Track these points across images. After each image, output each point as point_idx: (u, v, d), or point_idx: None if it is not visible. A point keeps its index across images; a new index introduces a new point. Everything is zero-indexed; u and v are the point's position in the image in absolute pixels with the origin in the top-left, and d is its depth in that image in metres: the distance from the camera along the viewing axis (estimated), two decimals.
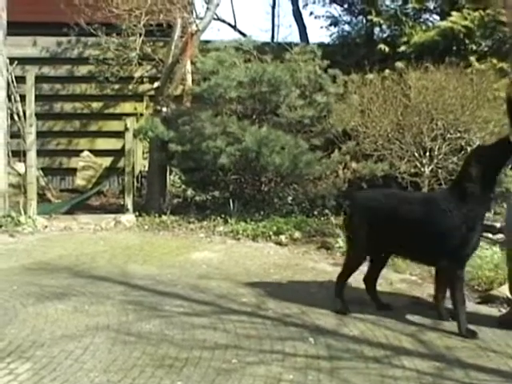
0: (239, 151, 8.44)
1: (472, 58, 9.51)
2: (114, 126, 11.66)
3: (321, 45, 10.35)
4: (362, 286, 5.20)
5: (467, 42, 10.04)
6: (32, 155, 8.97)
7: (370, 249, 4.99)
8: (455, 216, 4.55)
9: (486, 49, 10.33)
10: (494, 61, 9.51)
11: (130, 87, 12.14)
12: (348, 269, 5.06)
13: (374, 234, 4.84)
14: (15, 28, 9.40)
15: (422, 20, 11.36)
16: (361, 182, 8.37)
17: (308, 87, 9.18)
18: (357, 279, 5.21)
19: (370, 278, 5.16)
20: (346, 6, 12.84)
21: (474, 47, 10.14)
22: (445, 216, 4.58)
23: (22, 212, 8.59)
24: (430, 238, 4.65)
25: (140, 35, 11.26)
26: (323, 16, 13.39)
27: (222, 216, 8.37)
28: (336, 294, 5.03)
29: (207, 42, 10.86)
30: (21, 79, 9.92)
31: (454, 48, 10.07)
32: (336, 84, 9.17)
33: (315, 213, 8.37)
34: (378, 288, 5.31)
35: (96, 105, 12.21)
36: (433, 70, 8.02)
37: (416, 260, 5.28)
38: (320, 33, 38.88)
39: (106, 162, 11.91)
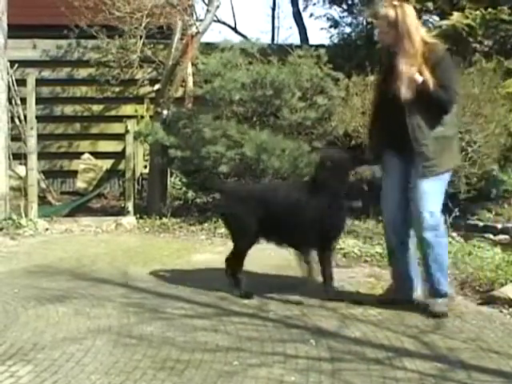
0: (239, 155, 8.43)
1: (475, 58, 9.49)
2: (115, 128, 11.66)
3: (321, 46, 10.35)
4: None
5: (470, 40, 10.03)
6: (33, 158, 8.97)
7: (251, 236, 5.42)
8: (315, 206, 5.15)
9: (486, 49, 10.32)
10: (501, 59, 9.50)
11: (131, 90, 12.15)
12: (238, 258, 5.48)
13: (250, 223, 5.33)
14: (15, 31, 9.40)
15: (422, 21, 11.35)
16: (362, 184, 8.35)
17: (310, 90, 9.17)
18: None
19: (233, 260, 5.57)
20: (346, 7, 12.87)
21: (478, 46, 10.13)
22: (308, 206, 5.17)
23: (23, 215, 8.59)
24: (299, 224, 5.21)
25: (141, 37, 11.27)
26: (324, 16, 13.44)
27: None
28: (234, 282, 5.42)
29: (208, 44, 10.87)
30: (21, 82, 9.93)
31: (456, 48, 10.06)
32: (338, 86, 9.17)
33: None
34: (380, 290, 5.32)
35: (97, 107, 12.22)
36: None
37: (292, 246, 5.60)
38: (320, 34, 38.96)
39: (107, 164, 11.91)
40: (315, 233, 5.21)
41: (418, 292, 5.16)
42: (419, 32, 4.83)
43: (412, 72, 4.71)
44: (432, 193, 4.83)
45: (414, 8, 5.09)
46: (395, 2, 4.82)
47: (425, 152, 4.78)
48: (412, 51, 4.74)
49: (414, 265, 5.16)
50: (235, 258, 5.50)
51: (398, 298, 5.12)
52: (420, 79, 4.70)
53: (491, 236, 8.23)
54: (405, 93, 4.73)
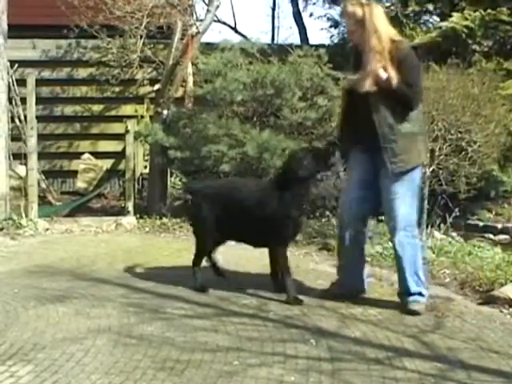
0: (240, 154, 8.43)
1: (475, 58, 9.51)
2: (115, 128, 11.68)
3: (321, 46, 10.35)
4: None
5: (469, 42, 10.04)
6: (33, 158, 8.97)
7: (213, 233, 5.53)
8: (277, 204, 5.19)
9: (486, 49, 10.33)
10: (501, 60, 9.51)
11: (131, 89, 12.16)
12: (199, 253, 5.63)
13: (214, 220, 5.43)
14: (15, 31, 9.40)
15: (422, 22, 11.37)
16: None
17: (310, 89, 9.17)
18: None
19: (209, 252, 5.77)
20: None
21: (477, 47, 10.14)
22: (268, 203, 5.22)
23: (23, 215, 8.59)
24: (259, 222, 5.25)
25: (141, 37, 11.27)
26: (324, 16, 13.44)
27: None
28: (195, 276, 5.56)
29: (208, 43, 10.87)
30: (21, 82, 9.93)
31: (455, 49, 10.07)
32: (338, 86, 9.16)
33: (316, 214, 8.36)
34: (380, 290, 5.33)
35: (97, 107, 12.23)
36: (434, 70, 8.03)
37: (251, 243, 5.70)
38: (320, 34, 38.96)
39: (107, 164, 11.92)
40: (271, 231, 5.27)
41: (364, 289, 5.32)
42: (386, 30, 4.90)
43: (377, 68, 4.79)
44: (402, 193, 4.89)
45: (414, 10, 5.17)
46: (363, 1, 4.91)
47: (393, 148, 4.84)
48: (378, 48, 4.81)
49: (362, 262, 5.32)
50: (196, 253, 5.65)
51: (341, 292, 5.24)
52: (384, 75, 4.78)
53: (491, 236, 8.26)
54: (370, 89, 4.82)
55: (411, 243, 4.94)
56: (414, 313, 4.89)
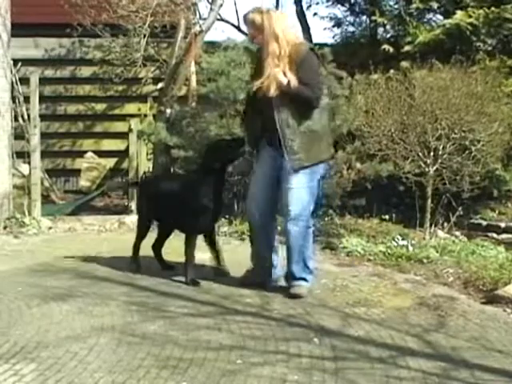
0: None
1: (480, 56, 9.49)
2: (118, 127, 11.68)
3: (324, 45, 10.34)
4: None
5: (473, 39, 10.02)
6: (36, 156, 8.97)
7: (150, 219, 6.27)
8: (192, 194, 5.64)
9: (490, 48, 10.31)
10: (504, 58, 9.49)
11: (134, 88, 12.15)
12: (139, 235, 6.20)
13: (152, 209, 6.09)
14: (18, 29, 9.40)
15: (425, 20, 11.36)
16: (365, 183, 8.36)
17: None
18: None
19: (157, 246, 6.22)
20: (349, 6, 12.84)
21: (481, 45, 10.13)
22: (187, 193, 5.69)
23: (27, 213, 8.59)
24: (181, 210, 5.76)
25: (144, 36, 11.26)
26: (327, 17, 13.41)
27: (227, 217, 8.35)
28: (132, 257, 6.15)
29: (211, 42, 10.86)
30: (24, 81, 9.92)
31: (459, 47, 10.05)
32: (342, 85, 9.15)
33: (319, 213, 8.35)
34: (383, 288, 5.33)
35: (100, 106, 12.22)
36: (438, 68, 8.01)
37: (179, 229, 6.13)
38: (324, 33, 38.86)
39: (110, 163, 11.92)
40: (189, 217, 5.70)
41: (277, 276, 5.59)
42: (286, 35, 5.14)
43: (276, 73, 5.06)
44: (298, 186, 5.16)
45: (418, 8, 5.25)
46: (262, 9, 5.26)
47: (292, 146, 5.09)
48: (277, 53, 5.09)
49: (274, 250, 5.59)
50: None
51: (256, 280, 5.54)
52: (284, 80, 5.06)
53: (494, 235, 8.24)
54: (272, 92, 5.09)
55: (300, 232, 5.24)
56: (296, 296, 5.23)
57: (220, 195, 5.78)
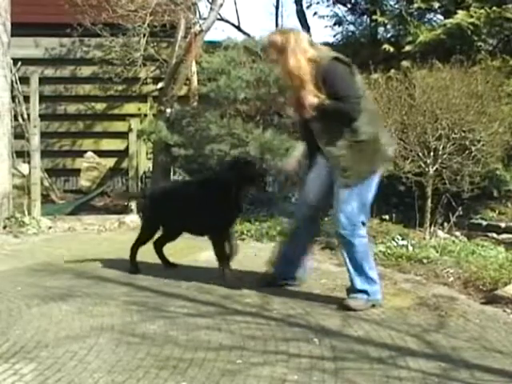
0: (243, 154, 8.42)
1: (481, 56, 9.49)
2: (118, 126, 11.69)
3: (325, 45, 10.33)
4: None
5: (474, 39, 10.02)
6: (36, 156, 8.97)
7: (158, 227, 6.25)
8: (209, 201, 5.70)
9: (490, 48, 10.31)
10: (506, 57, 9.49)
11: (134, 88, 12.15)
12: (140, 240, 6.21)
13: (163, 218, 6.13)
14: (18, 29, 9.40)
15: (426, 20, 11.36)
16: None
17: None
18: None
19: (158, 244, 6.28)
20: (349, 5, 12.85)
21: (482, 45, 10.12)
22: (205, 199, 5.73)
23: (26, 213, 8.60)
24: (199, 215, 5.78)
25: (144, 36, 11.27)
26: (327, 16, 13.41)
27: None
28: (130, 259, 6.15)
29: (211, 42, 10.87)
30: (24, 80, 9.93)
31: (460, 46, 10.06)
32: None
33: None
34: (384, 289, 5.32)
35: (100, 106, 12.24)
36: (438, 67, 8.01)
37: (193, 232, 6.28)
38: (324, 33, 38.94)
39: (110, 162, 11.92)
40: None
41: (301, 275, 5.55)
42: (307, 55, 4.92)
43: (303, 97, 4.88)
44: (349, 198, 4.93)
45: (419, 8, 5.18)
46: (283, 30, 5.27)
47: (338, 165, 4.91)
48: (297, 72, 4.89)
49: (303, 254, 5.50)
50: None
51: (278, 281, 5.52)
52: (313, 101, 4.85)
53: (494, 235, 8.24)
54: (306, 115, 4.93)
55: (352, 243, 5.01)
56: (346, 308, 5.00)
57: (236, 202, 5.78)
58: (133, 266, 6.13)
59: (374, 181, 5.03)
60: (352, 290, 5.08)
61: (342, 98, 4.82)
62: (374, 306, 5.07)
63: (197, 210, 5.76)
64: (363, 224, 5.05)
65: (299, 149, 5.51)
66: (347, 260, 5.05)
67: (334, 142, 4.88)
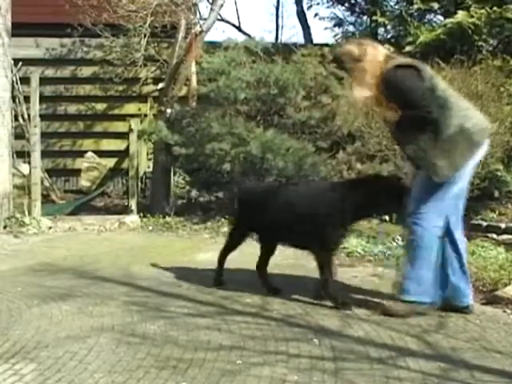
0: (244, 153, 8.43)
1: (482, 56, 9.48)
2: (119, 126, 11.69)
3: (325, 45, 10.34)
4: None
5: (475, 39, 10.01)
6: (36, 156, 8.98)
7: (247, 232, 5.63)
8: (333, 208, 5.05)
9: (491, 48, 10.30)
10: (507, 57, 9.48)
11: (135, 88, 12.16)
12: (229, 246, 5.68)
13: (257, 221, 5.42)
14: (19, 29, 9.41)
15: (426, 20, 11.37)
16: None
17: (314, 89, 9.17)
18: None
19: (261, 265, 5.58)
20: (350, 6, 12.86)
21: (483, 45, 10.12)
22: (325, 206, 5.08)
23: (27, 213, 8.60)
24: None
25: (145, 36, 11.27)
26: (327, 17, 13.43)
27: (227, 217, 8.36)
28: (217, 269, 5.63)
29: (211, 42, 10.87)
30: (24, 80, 9.93)
31: (461, 47, 10.05)
32: (342, 85, 9.15)
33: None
34: (382, 290, 5.33)
35: (100, 106, 12.23)
36: (439, 68, 8.01)
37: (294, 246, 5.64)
38: (324, 34, 38.95)
39: (111, 162, 11.92)
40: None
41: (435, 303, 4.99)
42: (380, 66, 4.86)
43: (380, 112, 5.01)
44: (426, 196, 4.80)
45: (419, 8, 5.17)
46: (360, 41, 5.09)
47: (429, 164, 4.77)
48: (372, 83, 4.84)
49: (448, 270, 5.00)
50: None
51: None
52: (388, 114, 4.90)
53: (494, 236, 8.21)
54: (385, 126, 5.07)
55: (417, 245, 4.82)
56: (393, 315, 4.82)
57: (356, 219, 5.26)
58: (218, 276, 5.64)
59: (460, 179, 4.88)
60: (400, 284, 4.94)
61: (407, 107, 4.77)
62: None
63: (307, 218, 5.11)
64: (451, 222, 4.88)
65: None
66: (406, 259, 4.94)
67: (413, 149, 4.80)
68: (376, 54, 4.95)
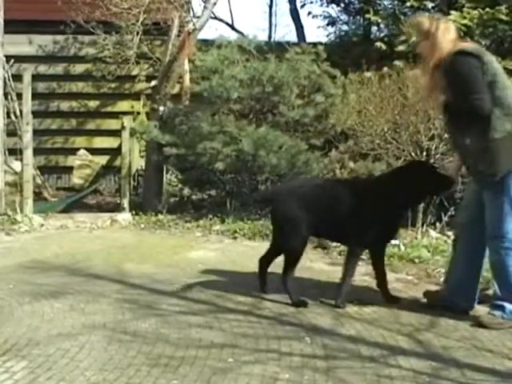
0: (236, 151, 8.43)
1: None
2: (111, 124, 11.67)
3: (318, 44, 10.34)
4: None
5: (467, 40, 10.02)
6: (28, 153, 8.96)
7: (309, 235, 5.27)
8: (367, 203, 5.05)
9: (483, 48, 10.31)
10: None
11: (128, 86, 12.14)
12: (298, 260, 5.18)
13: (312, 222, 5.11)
14: (11, 26, 9.39)
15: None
16: None
17: (307, 87, 9.17)
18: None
19: (264, 262, 5.40)
20: (343, 5, 12.87)
21: None
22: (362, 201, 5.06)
23: (19, 210, 8.58)
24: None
25: (137, 33, 11.26)
26: (321, 15, 13.44)
27: (219, 215, 8.37)
28: (285, 287, 5.14)
29: (204, 40, 10.87)
30: (17, 77, 9.91)
31: None
32: (335, 84, 9.16)
33: None
34: (375, 288, 5.34)
35: (93, 103, 12.21)
36: None
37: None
38: (317, 32, 38.98)
39: (103, 160, 11.91)
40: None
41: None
42: (448, 47, 4.66)
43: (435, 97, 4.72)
44: (493, 199, 4.63)
45: (412, 6, 5.11)
46: (432, 16, 4.86)
47: (472, 165, 4.69)
48: (440, 63, 4.63)
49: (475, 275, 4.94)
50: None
51: (444, 304, 4.99)
52: (441, 100, 4.71)
53: None
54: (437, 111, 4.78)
55: (497, 252, 4.67)
56: (479, 325, 4.66)
57: (403, 212, 5.34)
58: (294, 296, 5.15)
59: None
60: (494, 297, 4.81)
61: (461, 97, 4.58)
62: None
63: (345, 213, 5.07)
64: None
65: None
66: (491, 269, 4.79)
67: (465, 142, 4.62)
68: (446, 34, 4.73)
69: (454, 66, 4.60)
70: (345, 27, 13.22)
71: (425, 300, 5.20)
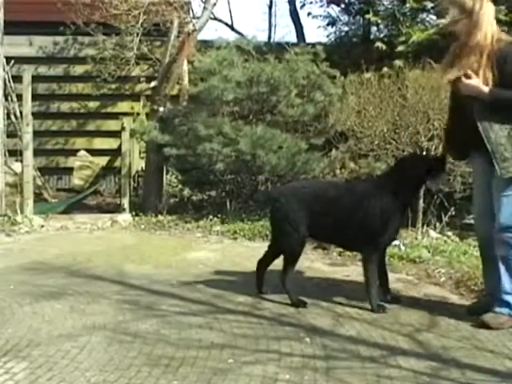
0: (235, 152, 8.43)
1: None
2: (111, 125, 11.68)
3: (318, 44, 10.34)
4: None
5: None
6: (29, 155, 8.96)
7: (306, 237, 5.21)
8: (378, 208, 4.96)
9: None
10: None
11: (127, 87, 12.14)
12: (296, 261, 5.19)
13: (313, 224, 5.09)
14: (11, 27, 9.39)
15: (419, 20, 11.37)
16: None
17: (306, 87, 9.17)
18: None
19: (263, 264, 5.36)
20: (343, 5, 12.86)
21: None
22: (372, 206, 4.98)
23: (19, 211, 8.59)
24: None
25: (137, 35, 11.26)
26: (321, 16, 13.43)
27: (219, 216, 8.37)
28: (285, 287, 5.14)
29: (204, 41, 10.87)
30: (17, 78, 9.92)
31: None
32: (334, 85, 9.16)
33: None
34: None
35: (93, 104, 12.20)
36: (431, 67, 8.02)
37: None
38: (317, 32, 38.88)
39: (103, 161, 11.91)
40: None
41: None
42: (493, 28, 4.58)
43: (474, 83, 4.47)
44: (509, 194, 4.52)
45: (412, 8, 5.02)
46: None
47: (501, 153, 4.47)
48: (481, 43, 4.51)
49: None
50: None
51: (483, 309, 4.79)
52: (485, 90, 4.47)
53: None
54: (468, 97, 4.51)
55: (508, 245, 4.55)
56: (482, 325, 4.59)
57: (405, 209, 5.25)
58: (294, 297, 5.15)
59: None
60: (497, 298, 4.65)
61: (509, 85, 4.42)
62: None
63: (351, 219, 5.03)
64: None
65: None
66: (499, 264, 4.59)
67: (494, 128, 4.48)
68: (490, 15, 4.60)
69: None
70: (345, 28, 13.20)
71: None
